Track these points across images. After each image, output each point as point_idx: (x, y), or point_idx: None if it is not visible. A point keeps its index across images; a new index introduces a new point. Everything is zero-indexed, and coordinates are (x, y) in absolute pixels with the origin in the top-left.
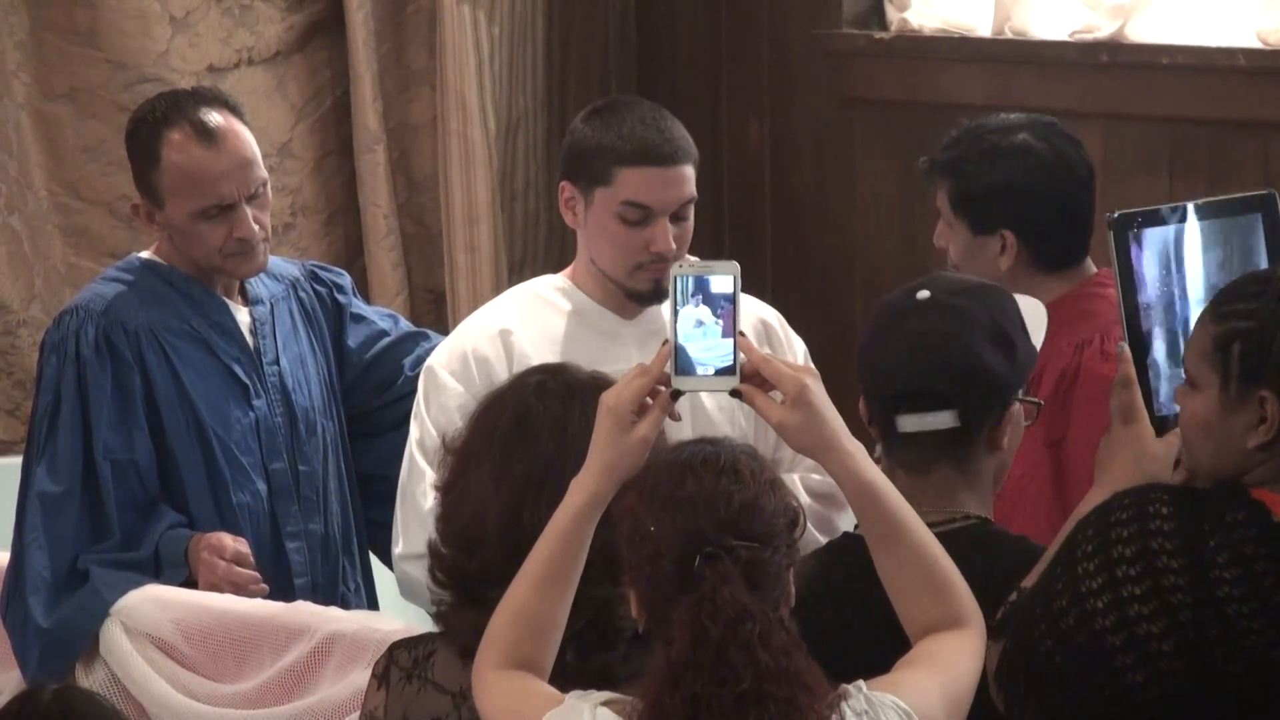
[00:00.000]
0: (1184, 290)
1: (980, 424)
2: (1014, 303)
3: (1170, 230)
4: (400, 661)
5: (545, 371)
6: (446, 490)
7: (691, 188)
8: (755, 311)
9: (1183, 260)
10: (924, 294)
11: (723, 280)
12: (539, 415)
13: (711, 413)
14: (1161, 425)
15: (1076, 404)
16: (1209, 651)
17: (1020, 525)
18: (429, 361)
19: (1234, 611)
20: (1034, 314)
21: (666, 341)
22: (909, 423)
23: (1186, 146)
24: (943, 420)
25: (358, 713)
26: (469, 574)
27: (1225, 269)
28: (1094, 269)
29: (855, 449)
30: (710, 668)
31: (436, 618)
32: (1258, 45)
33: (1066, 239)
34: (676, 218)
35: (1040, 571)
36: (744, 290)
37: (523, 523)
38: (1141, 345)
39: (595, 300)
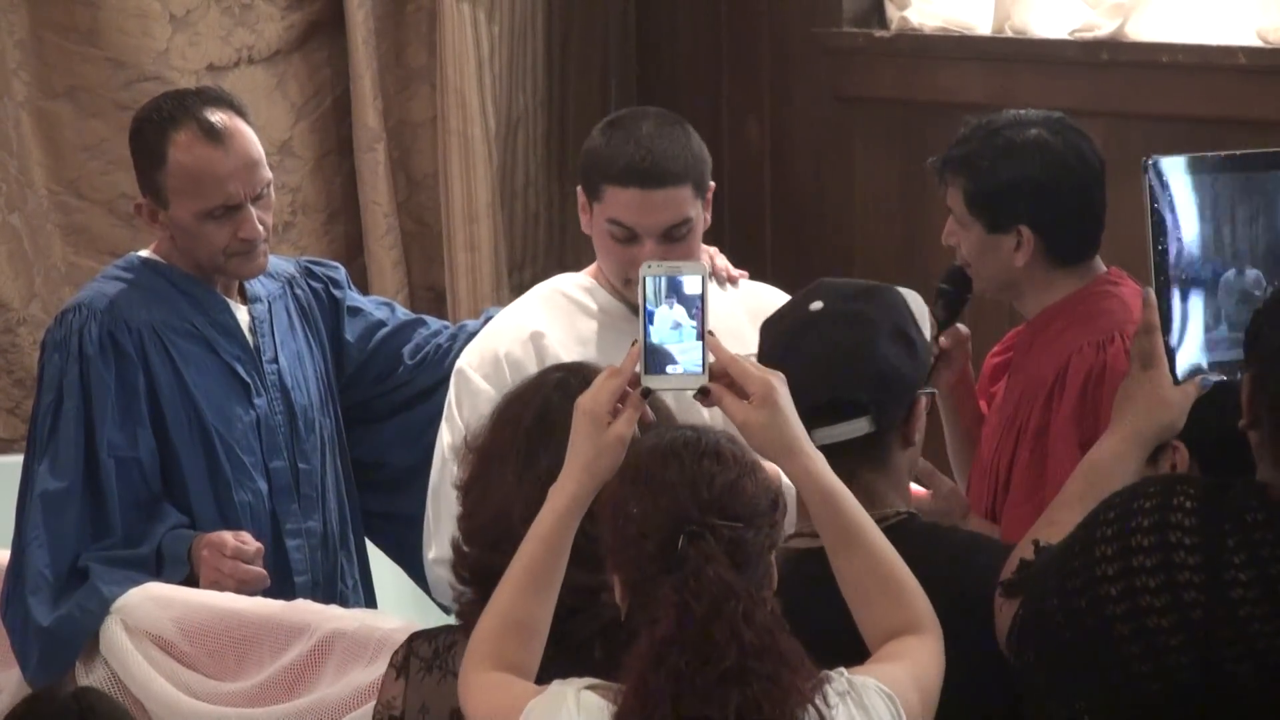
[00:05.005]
0: (1211, 242)
1: (892, 424)
2: (902, 298)
3: (1203, 179)
4: (420, 652)
5: (565, 369)
6: (468, 488)
7: (684, 210)
8: (772, 300)
9: (1212, 211)
10: (817, 305)
11: (693, 280)
12: (560, 413)
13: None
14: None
15: (1105, 403)
16: (1218, 650)
17: None
18: (460, 364)
19: (1246, 614)
20: (916, 304)
21: (636, 342)
22: (824, 435)
23: (1187, 145)
24: (858, 428)
25: (357, 711)
26: (493, 571)
27: (1251, 224)
28: (1104, 267)
29: (816, 455)
30: (694, 645)
31: (458, 613)
32: (1258, 44)
33: (1082, 233)
34: (670, 239)
35: (1061, 541)
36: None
37: None
38: (1165, 294)
39: (619, 300)
